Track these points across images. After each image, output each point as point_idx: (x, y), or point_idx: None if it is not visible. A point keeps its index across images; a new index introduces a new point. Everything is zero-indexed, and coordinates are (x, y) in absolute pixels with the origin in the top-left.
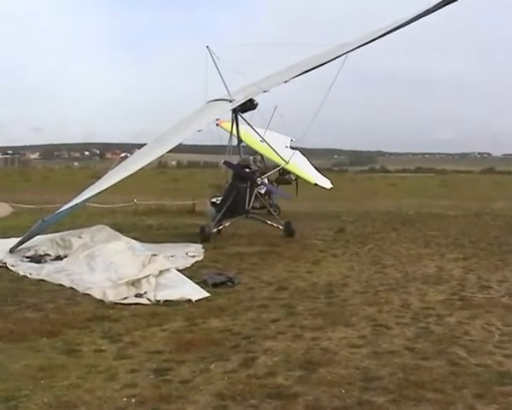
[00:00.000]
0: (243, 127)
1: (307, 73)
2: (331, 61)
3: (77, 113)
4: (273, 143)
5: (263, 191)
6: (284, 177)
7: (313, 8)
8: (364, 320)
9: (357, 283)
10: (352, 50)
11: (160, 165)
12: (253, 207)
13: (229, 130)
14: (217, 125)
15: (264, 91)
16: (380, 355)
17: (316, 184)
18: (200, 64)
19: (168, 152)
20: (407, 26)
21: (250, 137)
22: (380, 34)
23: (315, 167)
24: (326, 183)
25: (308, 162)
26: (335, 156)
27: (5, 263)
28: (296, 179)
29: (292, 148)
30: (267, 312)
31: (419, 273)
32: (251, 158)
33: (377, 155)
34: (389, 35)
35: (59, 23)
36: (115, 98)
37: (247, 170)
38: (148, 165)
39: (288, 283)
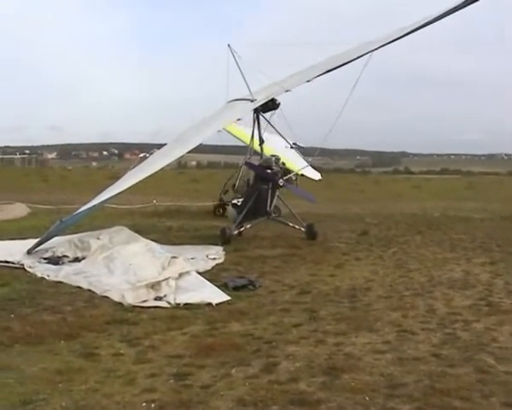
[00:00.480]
0: (239, 127)
1: (329, 73)
2: (355, 59)
3: (95, 112)
4: (274, 144)
5: None
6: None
7: (337, 6)
8: (389, 325)
9: (381, 287)
10: (377, 49)
11: (180, 165)
12: None
13: (229, 130)
14: None
15: (287, 91)
16: (405, 362)
17: (302, 175)
18: (220, 63)
19: (188, 152)
20: (432, 24)
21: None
22: (406, 32)
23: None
24: (315, 174)
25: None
26: (358, 157)
27: (22, 264)
28: (297, 179)
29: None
30: (289, 316)
31: (445, 278)
32: (273, 159)
33: (401, 155)
34: (415, 33)
35: (77, 22)
36: (134, 97)
37: (269, 171)
38: (168, 165)
39: (311, 286)
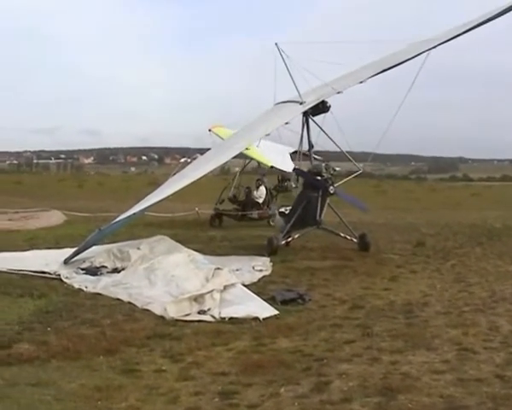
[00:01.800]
0: (228, 130)
1: (383, 73)
2: (412, 58)
3: (134, 114)
4: (272, 150)
5: (261, 200)
6: (283, 184)
7: (389, 2)
8: (448, 343)
9: (440, 302)
10: (435, 47)
11: (223, 171)
12: (251, 219)
13: (222, 135)
14: (209, 130)
15: (338, 93)
16: (466, 383)
17: (272, 167)
18: (267, 63)
19: (233, 158)
20: (493, 21)
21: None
22: (465, 29)
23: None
24: (288, 166)
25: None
26: (412, 163)
27: (59, 275)
28: (296, 186)
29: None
30: (341, 332)
31: (508, 293)
32: (323, 165)
33: (459, 161)
34: (474, 30)
35: (115, 21)
36: (175, 99)
37: (319, 178)
38: (211, 171)
39: (364, 301)
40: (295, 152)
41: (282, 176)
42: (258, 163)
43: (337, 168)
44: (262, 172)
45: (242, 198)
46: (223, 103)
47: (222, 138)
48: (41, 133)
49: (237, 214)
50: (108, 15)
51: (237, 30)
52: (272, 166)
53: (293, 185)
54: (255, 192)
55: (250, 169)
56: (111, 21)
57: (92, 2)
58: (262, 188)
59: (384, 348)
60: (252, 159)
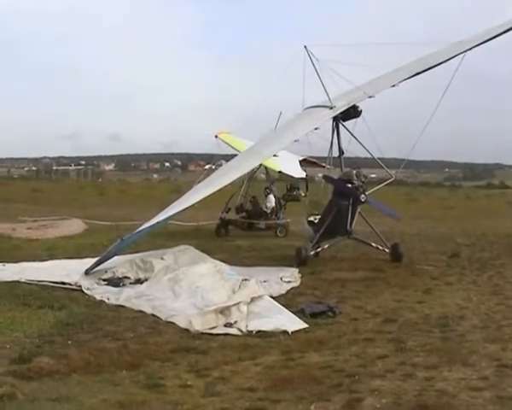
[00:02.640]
0: (235, 137)
1: (416, 76)
2: (446, 61)
3: (156, 119)
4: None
5: (269, 210)
6: (292, 193)
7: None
8: (486, 359)
9: (476, 316)
10: (470, 49)
11: (249, 178)
12: (258, 228)
13: (229, 142)
14: (215, 136)
15: (370, 97)
16: (505, 401)
17: (280, 172)
18: (295, 66)
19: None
20: None
21: (238, 143)
22: (502, 30)
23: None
24: (297, 172)
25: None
26: (446, 170)
27: (80, 286)
28: (306, 195)
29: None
30: (373, 346)
31: None
32: (354, 172)
33: (495, 167)
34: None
35: (137, 24)
36: (200, 103)
37: (350, 185)
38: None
39: (397, 314)
40: (305, 160)
41: (291, 184)
42: (267, 170)
43: (373, 175)
44: (271, 180)
45: (249, 207)
46: (249, 107)
47: (229, 145)
48: (60, 139)
49: (243, 224)
50: (132, 17)
51: (266, 31)
52: (280, 172)
53: (303, 194)
54: (267, 201)
55: (258, 177)
56: (134, 23)
57: (114, 4)
58: (271, 197)
59: (418, 364)
60: (260, 165)
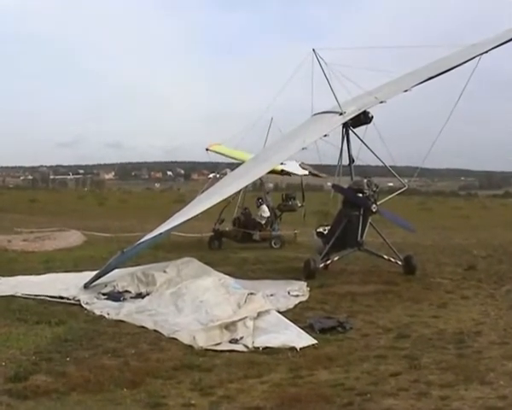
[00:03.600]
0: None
1: (429, 81)
2: (461, 64)
3: (158, 126)
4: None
5: (263, 221)
6: (287, 203)
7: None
8: (504, 377)
9: (494, 331)
10: (487, 51)
11: (255, 187)
12: (253, 241)
13: (221, 153)
14: (206, 149)
15: (381, 102)
16: None
17: (282, 171)
18: (303, 70)
19: (268, 173)
20: None
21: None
22: None
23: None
24: (299, 170)
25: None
26: (462, 178)
27: (79, 300)
28: (302, 205)
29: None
30: (385, 363)
31: None
32: (365, 181)
33: None
34: None
35: (140, 27)
36: (204, 109)
37: (360, 195)
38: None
39: (410, 329)
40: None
41: (287, 194)
42: (261, 180)
43: (390, 183)
44: (265, 190)
45: (242, 219)
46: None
47: (223, 154)
48: (58, 147)
49: (237, 235)
50: (135, 19)
51: (273, 37)
52: (283, 170)
53: (299, 204)
54: (261, 212)
55: (252, 188)
56: (138, 27)
57: (116, 8)
58: (263, 207)
59: (433, 382)
60: None
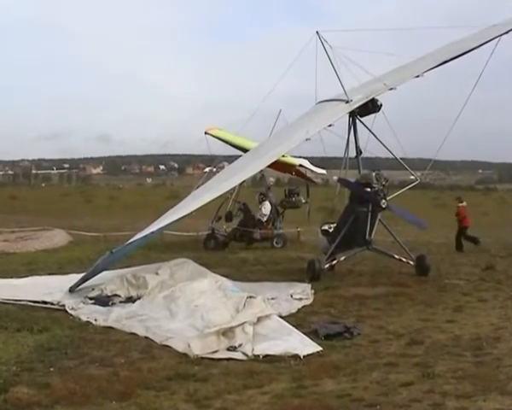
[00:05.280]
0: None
1: (443, 65)
2: (478, 47)
3: (151, 116)
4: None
5: (264, 219)
6: (290, 199)
7: None
8: None
9: None
10: (507, 32)
11: (255, 182)
12: (252, 239)
13: (222, 138)
14: (205, 133)
15: (391, 89)
16: None
17: (300, 165)
18: (306, 54)
19: (268, 166)
20: None
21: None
22: None
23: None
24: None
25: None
26: (480, 171)
27: (63, 305)
28: (306, 201)
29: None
30: (396, 372)
31: None
32: (373, 174)
33: None
34: None
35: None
36: (200, 98)
37: (369, 189)
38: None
39: (423, 335)
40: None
41: (290, 190)
42: (262, 174)
43: (412, 177)
44: (267, 185)
45: (239, 215)
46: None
47: (223, 140)
48: (41, 139)
49: (235, 234)
50: (123, 3)
51: (274, 18)
52: (301, 165)
53: (303, 201)
54: (262, 208)
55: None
56: (126, 9)
57: None
58: (266, 203)
59: (448, 392)
60: None
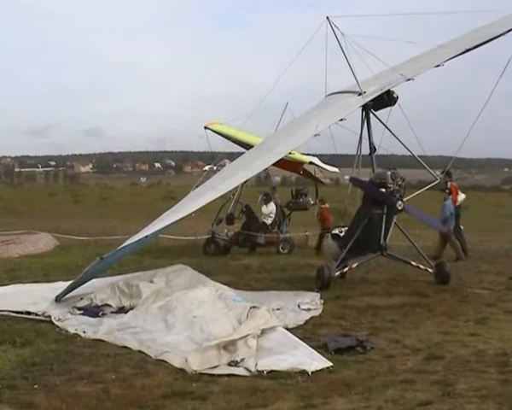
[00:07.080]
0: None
1: (464, 54)
2: (503, 35)
3: (146, 109)
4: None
5: (269, 221)
6: (298, 200)
7: None
8: None
9: None
10: None
11: (260, 181)
12: (256, 243)
13: (223, 133)
14: (205, 128)
15: (408, 80)
16: None
17: (311, 163)
18: (316, 42)
19: (273, 164)
20: None
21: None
22: None
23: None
24: (328, 166)
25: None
26: (506, 170)
27: (49, 316)
28: (315, 203)
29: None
30: (413, 390)
31: None
32: (388, 173)
33: None
34: None
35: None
36: (199, 90)
37: (383, 190)
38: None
39: (443, 349)
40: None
41: (297, 190)
42: (267, 173)
43: (436, 176)
44: (271, 184)
45: (240, 217)
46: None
47: (224, 136)
48: (26, 135)
49: (238, 238)
50: None
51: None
52: (311, 163)
53: (312, 202)
54: (264, 209)
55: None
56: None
57: None
58: (271, 205)
59: None
60: None
